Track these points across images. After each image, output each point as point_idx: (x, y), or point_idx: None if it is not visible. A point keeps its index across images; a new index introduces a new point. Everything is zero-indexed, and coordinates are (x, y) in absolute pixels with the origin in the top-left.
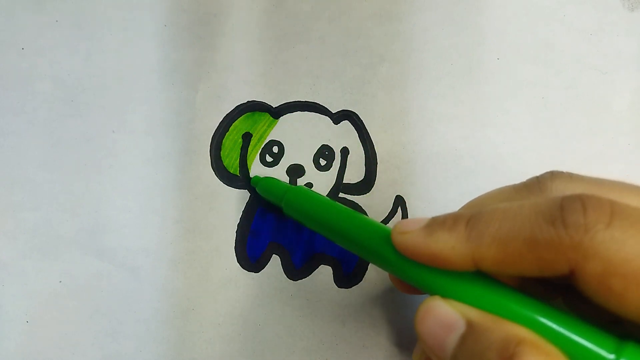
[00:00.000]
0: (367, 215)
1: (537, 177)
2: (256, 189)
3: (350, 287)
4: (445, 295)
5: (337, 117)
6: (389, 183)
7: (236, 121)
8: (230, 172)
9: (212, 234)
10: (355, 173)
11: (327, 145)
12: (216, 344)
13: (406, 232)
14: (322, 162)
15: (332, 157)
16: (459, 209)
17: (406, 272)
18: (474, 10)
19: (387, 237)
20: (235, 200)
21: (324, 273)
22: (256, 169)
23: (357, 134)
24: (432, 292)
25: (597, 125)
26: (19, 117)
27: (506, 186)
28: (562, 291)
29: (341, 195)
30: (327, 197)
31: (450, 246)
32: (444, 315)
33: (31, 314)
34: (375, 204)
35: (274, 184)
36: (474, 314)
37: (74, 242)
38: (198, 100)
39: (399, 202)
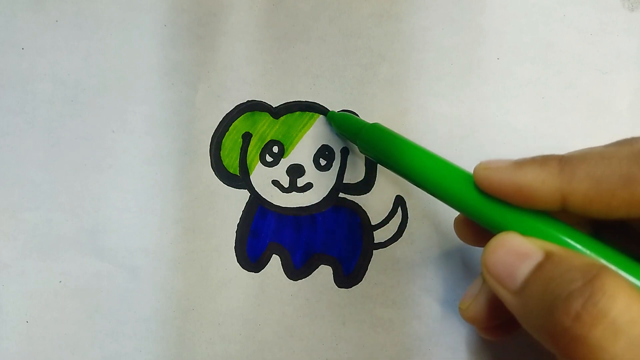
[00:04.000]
0: (367, 215)
1: (629, 137)
2: (331, 125)
3: (350, 287)
4: (521, 232)
5: None
6: (389, 183)
7: (236, 121)
8: (230, 172)
9: (212, 234)
10: (355, 173)
11: (327, 145)
12: (216, 344)
13: (491, 167)
14: (322, 162)
15: (332, 157)
16: None
17: (483, 211)
18: (474, 10)
19: (465, 176)
20: (235, 200)
21: (324, 273)
22: (256, 169)
23: None
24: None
25: (597, 125)
26: (19, 117)
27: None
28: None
29: (341, 195)
30: (403, 136)
31: (540, 180)
32: (519, 245)
33: (31, 314)
34: (375, 204)
35: (350, 119)
36: (553, 246)
37: (74, 242)
38: (198, 100)
39: (399, 202)
